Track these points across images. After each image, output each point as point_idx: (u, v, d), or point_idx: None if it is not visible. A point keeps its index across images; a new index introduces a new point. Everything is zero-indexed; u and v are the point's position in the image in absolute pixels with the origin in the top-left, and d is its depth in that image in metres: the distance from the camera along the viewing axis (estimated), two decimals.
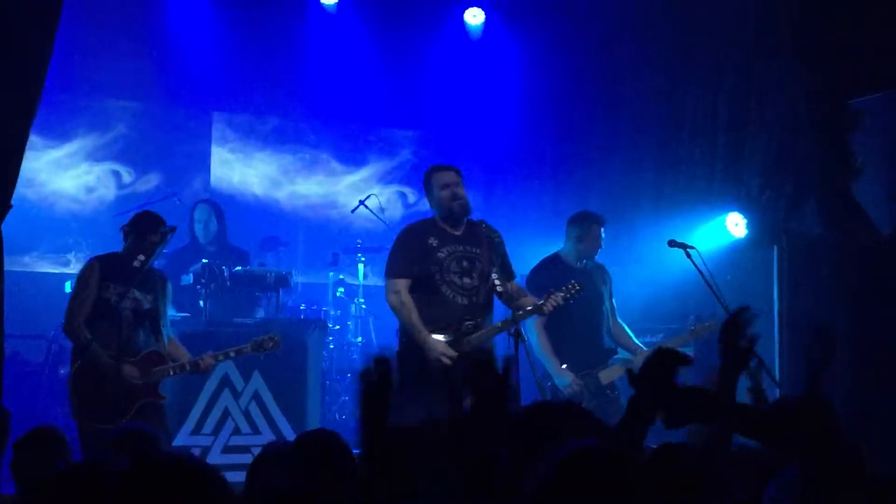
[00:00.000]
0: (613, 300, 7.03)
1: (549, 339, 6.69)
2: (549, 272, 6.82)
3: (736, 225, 8.38)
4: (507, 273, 5.89)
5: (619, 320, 7.03)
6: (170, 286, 6.17)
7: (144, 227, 5.89)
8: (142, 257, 5.79)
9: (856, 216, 7.65)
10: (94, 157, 9.54)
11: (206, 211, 8.13)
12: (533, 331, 6.65)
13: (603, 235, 6.95)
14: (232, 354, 6.19)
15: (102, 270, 5.84)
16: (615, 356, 7.00)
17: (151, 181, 9.63)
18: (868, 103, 7.70)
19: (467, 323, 5.75)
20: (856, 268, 7.61)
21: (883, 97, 7.63)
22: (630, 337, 6.98)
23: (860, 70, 7.65)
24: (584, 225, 6.91)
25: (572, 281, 6.07)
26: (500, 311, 6.04)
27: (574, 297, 6.04)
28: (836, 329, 7.44)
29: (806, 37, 8.00)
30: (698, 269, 6.25)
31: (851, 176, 7.75)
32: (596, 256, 6.96)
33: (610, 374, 6.82)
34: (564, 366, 6.68)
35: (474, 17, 10.25)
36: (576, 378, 6.69)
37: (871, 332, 7.38)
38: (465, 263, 5.82)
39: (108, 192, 9.56)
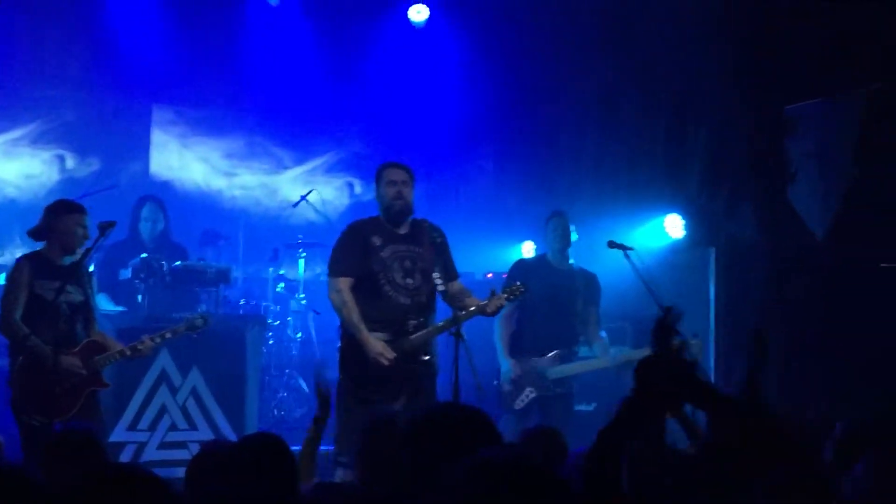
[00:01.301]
0: (598, 309, 7.18)
1: (516, 329, 6.99)
2: (528, 269, 7.07)
3: (674, 226, 8.49)
4: (449, 273, 5.93)
5: (600, 330, 7.17)
6: (95, 279, 6.16)
7: (53, 217, 5.84)
8: (81, 232, 5.77)
9: (790, 220, 7.80)
10: (36, 144, 9.39)
11: (154, 210, 8.01)
12: (497, 317, 6.77)
13: (557, 228, 7.10)
14: (168, 335, 6.16)
15: (32, 268, 5.80)
16: (575, 357, 7.13)
17: (92, 165, 9.49)
18: (803, 109, 7.85)
19: (410, 322, 5.76)
20: (789, 271, 7.76)
21: (817, 104, 7.78)
22: (606, 347, 7.11)
23: (796, 77, 7.80)
24: (546, 224, 7.19)
25: (518, 282, 6.14)
26: (442, 311, 6.06)
27: (518, 298, 6.10)
28: (770, 331, 7.59)
29: (743, 43, 8.13)
30: (637, 271, 6.33)
31: (786, 181, 7.90)
32: (564, 251, 7.11)
33: (562, 371, 6.97)
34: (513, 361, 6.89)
35: (418, 13, 10.25)
36: (515, 364, 6.88)
37: (803, 334, 7.53)
38: (407, 263, 5.83)
39: (49, 178, 9.40)
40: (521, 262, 7.38)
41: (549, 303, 6.99)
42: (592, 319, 7.16)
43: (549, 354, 7.00)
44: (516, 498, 2.15)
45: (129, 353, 5.94)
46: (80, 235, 5.78)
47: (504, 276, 7.67)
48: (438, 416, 2.80)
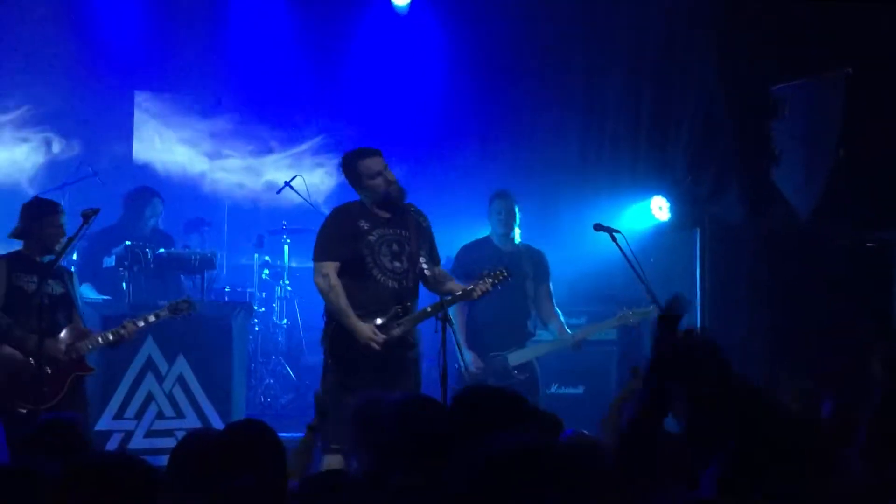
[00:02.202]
0: (549, 285, 7.10)
1: (468, 318, 6.86)
2: (472, 253, 7.02)
3: (660, 208, 8.50)
4: (433, 258, 5.90)
5: (555, 306, 7.10)
6: (76, 277, 6.17)
7: (29, 220, 5.86)
8: (60, 233, 5.77)
9: (775, 201, 7.81)
10: (19, 129, 9.32)
11: (157, 206, 8.05)
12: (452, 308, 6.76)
13: (500, 211, 7.03)
14: (151, 318, 6.11)
15: (10, 264, 5.82)
16: (533, 338, 7.08)
17: (74, 150, 9.41)
18: (787, 90, 7.86)
19: (397, 307, 5.73)
20: (775, 252, 7.78)
21: (802, 84, 7.79)
22: (562, 324, 7.06)
23: (780, 57, 7.80)
24: (489, 204, 7.12)
25: (501, 267, 6.05)
26: (424, 295, 6.03)
27: (502, 283, 6.05)
28: (756, 312, 7.62)
29: (727, 24, 8.12)
30: (624, 253, 6.30)
31: (771, 162, 7.91)
32: (508, 234, 7.02)
33: (521, 356, 6.92)
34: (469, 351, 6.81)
35: None
36: (476, 358, 6.81)
37: (789, 314, 7.56)
38: (395, 247, 5.78)
39: (32, 163, 9.33)
40: (467, 247, 7.22)
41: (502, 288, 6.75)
42: (545, 297, 7.08)
43: (524, 349, 6.92)
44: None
45: (112, 337, 5.90)
46: (57, 235, 5.80)
47: None
48: (479, 395, 2.79)
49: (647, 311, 6.84)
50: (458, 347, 6.33)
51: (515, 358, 6.92)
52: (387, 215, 5.81)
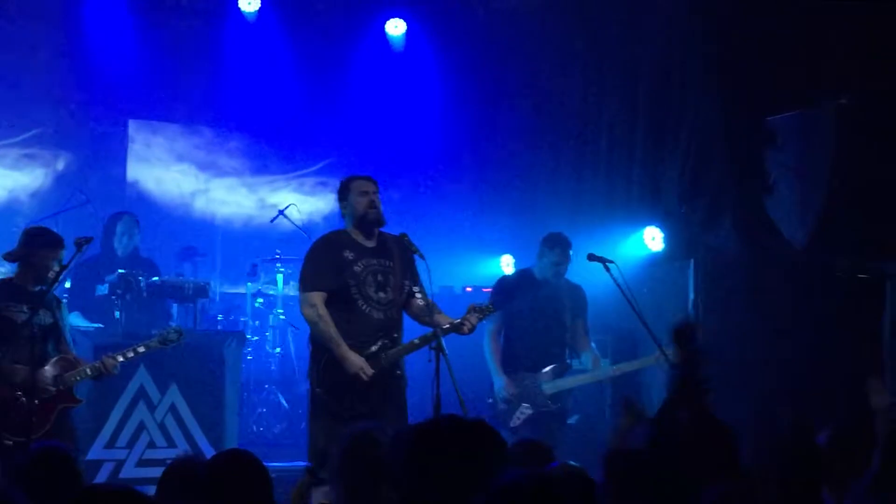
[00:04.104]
0: (586, 320, 7.20)
1: (504, 346, 7.00)
2: (514, 286, 7.17)
3: (653, 239, 8.50)
4: (421, 288, 5.87)
5: (590, 340, 7.20)
6: (65, 306, 6.11)
7: (30, 247, 5.82)
8: (55, 267, 5.70)
9: (769, 231, 7.82)
10: (16, 157, 9.32)
11: (129, 224, 7.94)
12: (485, 336, 6.94)
13: (560, 262, 7.06)
14: (141, 350, 6.05)
15: (0, 293, 5.77)
16: (569, 371, 7.11)
17: (67, 177, 9.41)
18: (781, 121, 7.88)
19: (383, 337, 5.72)
20: (768, 282, 7.78)
21: (795, 116, 7.82)
22: (597, 357, 7.13)
23: (775, 87, 7.83)
24: (542, 246, 7.15)
25: (488, 303, 6.05)
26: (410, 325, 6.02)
27: (488, 317, 6.06)
28: (747, 344, 7.60)
29: (722, 53, 8.16)
30: (617, 284, 6.31)
31: (765, 192, 7.92)
32: (560, 275, 7.10)
33: (556, 386, 6.96)
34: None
35: (396, 27, 10.24)
36: (510, 382, 6.87)
37: (783, 345, 7.54)
38: (380, 277, 5.78)
39: (25, 191, 9.33)
40: (504, 280, 7.41)
41: (538, 317, 7.01)
42: (581, 331, 7.17)
43: (545, 370, 6.98)
44: None
45: (90, 372, 5.84)
46: (54, 270, 5.74)
47: (485, 290, 7.66)
48: (444, 427, 2.73)
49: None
50: (451, 376, 6.30)
51: (551, 387, 6.96)
52: (370, 244, 5.81)
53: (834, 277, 7.27)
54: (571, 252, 7.11)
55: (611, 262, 6.48)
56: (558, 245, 7.07)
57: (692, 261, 8.32)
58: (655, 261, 8.47)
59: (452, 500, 2.43)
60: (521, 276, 7.30)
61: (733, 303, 7.96)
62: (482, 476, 2.48)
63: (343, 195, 5.93)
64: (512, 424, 6.85)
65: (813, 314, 7.46)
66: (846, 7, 7.36)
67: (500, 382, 6.92)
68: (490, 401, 6.98)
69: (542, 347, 7.02)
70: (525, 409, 6.89)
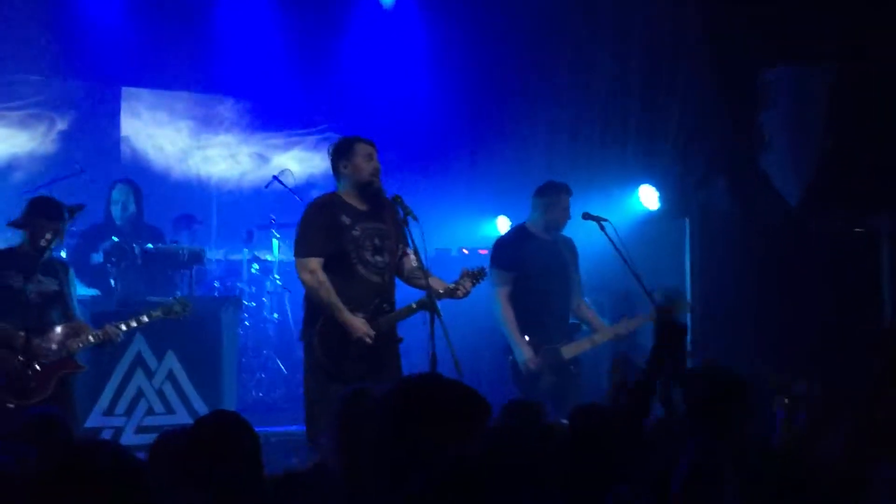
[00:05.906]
0: (579, 276, 6.99)
1: (515, 310, 6.69)
2: (519, 244, 6.84)
3: (649, 197, 8.48)
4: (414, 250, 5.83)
5: (584, 296, 7.03)
6: (72, 273, 6.09)
7: (32, 216, 5.82)
8: (48, 236, 5.70)
9: (763, 190, 7.81)
10: (10, 125, 9.30)
11: (124, 192, 7.92)
12: (497, 302, 6.69)
13: (567, 206, 6.84)
14: (144, 319, 6.04)
15: (1, 261, 5.80)
16: (579, 332, 6.94)
17: (62, 145, 9.38)
18: (776, 77, 7.85)
19: (381, 300, 5.70)
20: (763, 241, 7.78)
21: (790, 70, 7.78)
22: (594, 314, 6.99)
23: (769, 44, 7.79)
24: (552, 195, 6.85)
25: (482, 266, 5.98)
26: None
27: (496, 281, 5.99)
28: (743, 302, 7.62)
29: (716, 10, 8.11)
30: (612, 242, 6.28)
31: (759, 149, 7.90)
32: (562, 228, 6.90)
33: (572, 350, 6.75)
34: (527, 338, 6.66)
35: None
36: (534, 356, 6.64)
37: (778, 302, 7.56)
38: (377, 241, 5.73)
39: (18, 158, 9.31)
40: (504, 240, 7.06)
41: (545, 275, 6.72)
42: (577, 286, 6.98)
43: (574, 343, 6.74)
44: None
45: (92, 339, 5.87)
46: (49, 239, 5.75)
47: (481, 252, 7.52)
48: (431, 388, 2.73)
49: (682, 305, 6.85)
50: (447, 339, 6.28)
51: (568, 351, 6.74)
52: (364, 207, 5.76)
53: (829, 234, 7.28)
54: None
55: (605, 220, 6.42)
56: (563, 192, 6.83)
57: (688, 219, 8.31)
58: (651, 219, 8.45)
59: (428, 459, 2.43)
60: (519, 233, 6.98)
61: (728, 260, 7.97)
62: (457, 435, 2.48)
63: (345, 155, 5.77)
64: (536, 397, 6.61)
65: (808, 271, 7.46)
66: None
67: (523, 355, 6.63)
68: (510, 358, 6.72)
69: (553, 312, 6.79)
70: (550, 379, 6.65)
